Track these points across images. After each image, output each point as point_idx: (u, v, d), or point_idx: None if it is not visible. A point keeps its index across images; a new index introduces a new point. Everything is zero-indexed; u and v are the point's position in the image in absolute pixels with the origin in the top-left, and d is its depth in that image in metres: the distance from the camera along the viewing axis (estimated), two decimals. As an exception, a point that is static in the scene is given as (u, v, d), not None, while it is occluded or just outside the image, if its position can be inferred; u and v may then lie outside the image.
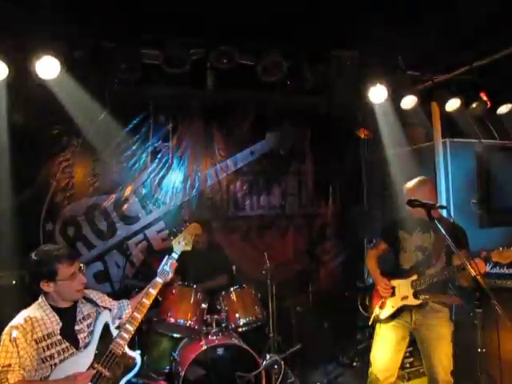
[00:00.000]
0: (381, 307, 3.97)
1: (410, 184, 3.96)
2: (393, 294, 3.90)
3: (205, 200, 6.62)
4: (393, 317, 3.88)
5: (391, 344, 3.91)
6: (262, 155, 6.98)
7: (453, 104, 5.40)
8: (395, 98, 5.47)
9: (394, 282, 3.92)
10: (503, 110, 5.53)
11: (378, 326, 4.02)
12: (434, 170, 5.84)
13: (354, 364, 5.68)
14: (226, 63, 4.67)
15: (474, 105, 5.39)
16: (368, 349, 5.16)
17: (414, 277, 3.80)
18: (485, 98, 5.37)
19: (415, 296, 3.77)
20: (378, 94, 5.35)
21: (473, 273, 3.21)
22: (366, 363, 5.27)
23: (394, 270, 4.06)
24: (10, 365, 2.63)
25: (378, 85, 5.29)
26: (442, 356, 3.75)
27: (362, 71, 5.44)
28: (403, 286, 3.84)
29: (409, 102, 5.44)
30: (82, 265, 2.99)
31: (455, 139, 5.88)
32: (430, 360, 3.80)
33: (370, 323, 4.09)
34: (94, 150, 5.96)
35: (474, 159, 5.85)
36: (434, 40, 4.78)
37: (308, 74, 5.19)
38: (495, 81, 5.25)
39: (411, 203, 3.54)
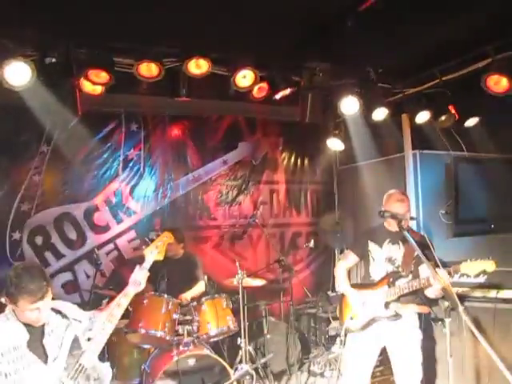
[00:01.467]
0: (352, 318, 3.99)
1: (387, 195, 4.02)
2: (364, 305, 3.92)
3: (177, 209, 6.58)
4: (363, 328, 3.91)
5: (362, 354, 3.93)
6: (234, 164, 6.99)
7: (423, 116, 5.53)
8: (366, 109, 5.55)
9: (365, 293, 3.95)
10: (470, 123, 5.68)
11: (348, 336, 4.04)
12: (404, 181, 5.95)
13: (325, 374, 5.70)
14: (199, 73, 4.67)
15: (443, 117, 5.51)
16: (339, 358, 5.22)
17: (385, 288, 3.83)
18: (453, 111, 5.51)
19: (386, 307, 3.81)
20: (349, 105, 5.42)
21: (441, 283, 3.28)
22: (337, 373, 5.33)
23: (363, 281, 4.10)
24: None
25: (350, 96, 5.37)
26: (412, 364, 3.79)
27: (333, 83, 5.52)
28: (374, 297, 3.86)
29: (380, 113, 5.54)
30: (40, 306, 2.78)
31: (425, 151, 6.01)
32: (400, 368, 3.84)
33: (342, 334, 4.09)
34: (65, 158, 5.85)
35: (442, 171, 5.97)
36: (404, 53, 4.89)
37: (281, 84, 5.24)
38: (463, 94, 5.38)
39: (382, 214, 3.60)
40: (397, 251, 3.91)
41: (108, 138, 6.20)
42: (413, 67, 5.39)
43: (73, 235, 6.02)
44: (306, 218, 7.49)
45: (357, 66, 5.39)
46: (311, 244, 6.13)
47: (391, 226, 3.88)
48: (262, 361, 5.13)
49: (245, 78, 4.89)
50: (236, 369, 4.71)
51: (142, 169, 6.40)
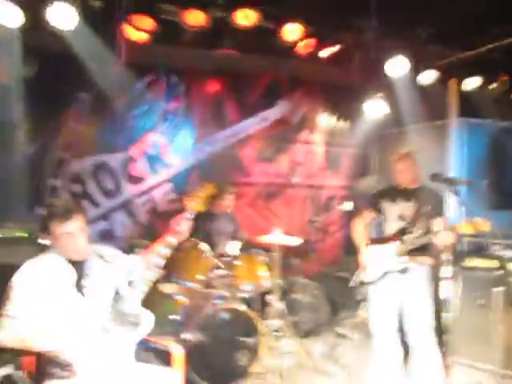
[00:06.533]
0: (364, 271, 4.06)
1: (396, 155, 4.08)
2: (375, 259, 3.99)
3: (214, 164, 6.56)
4: (377, 280, 3.98)
5: (382, 302, 4.01)
6: (273, 122, 6.91)
7: (472, 82, 5.33)
8: (414, 72, 5.37)
9: (376, 248, 4.01)
10: (523, 92, 5.46)
11: (369, 289, 4.12)
12: (448, 149, 5.79)
13: (352, 336, 5.72)
14: (247, 24, 4.56)
15: (493, 84, 5.31)
16: (366, 322, 5.23)
17: (397, 242, 3.89)
18: (505, 79, 5.29)
19: (398, 260, 3.86)
20: (396, 66, 5.26)
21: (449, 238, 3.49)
22: (364, 335, 5.36)
23: (377, 237, 4.20)
24: (13, 313, 2.58)
25: (397, 57, 5.19)
26: (423, 310, 3.86)
27: (381, 42, 5.33)
28: (385, 252, 3.93)
29: (428, 77, 5.36)
30: (83, 225, 2.79)
31: (471, 119, 5.81)
32: (412, 318, 3.89)
33: (350, 285, 4.17)
34: (104, 107, 5.84)
35: (488, 140, 5.79)
36: (457, 15, 4.68)
37: (328, 41, 5.10)
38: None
39: (436, 177, 3.67)
40: (409, 208, 3.97)
41: (148, 89, 6.16)
42: (465, 30, 5.15)
43: (109, 185, 6.07)
44: (342, 181, 7.42)
45: (407, 25, 5.18)
46: (349, 206, 6.07)
47: (403, 183, 4.00)
48: (291, 319, 5.17)
49: (292, 32, 4.76)
50: (266, 325, 4.75)
51: (180, 122, 6.37)
